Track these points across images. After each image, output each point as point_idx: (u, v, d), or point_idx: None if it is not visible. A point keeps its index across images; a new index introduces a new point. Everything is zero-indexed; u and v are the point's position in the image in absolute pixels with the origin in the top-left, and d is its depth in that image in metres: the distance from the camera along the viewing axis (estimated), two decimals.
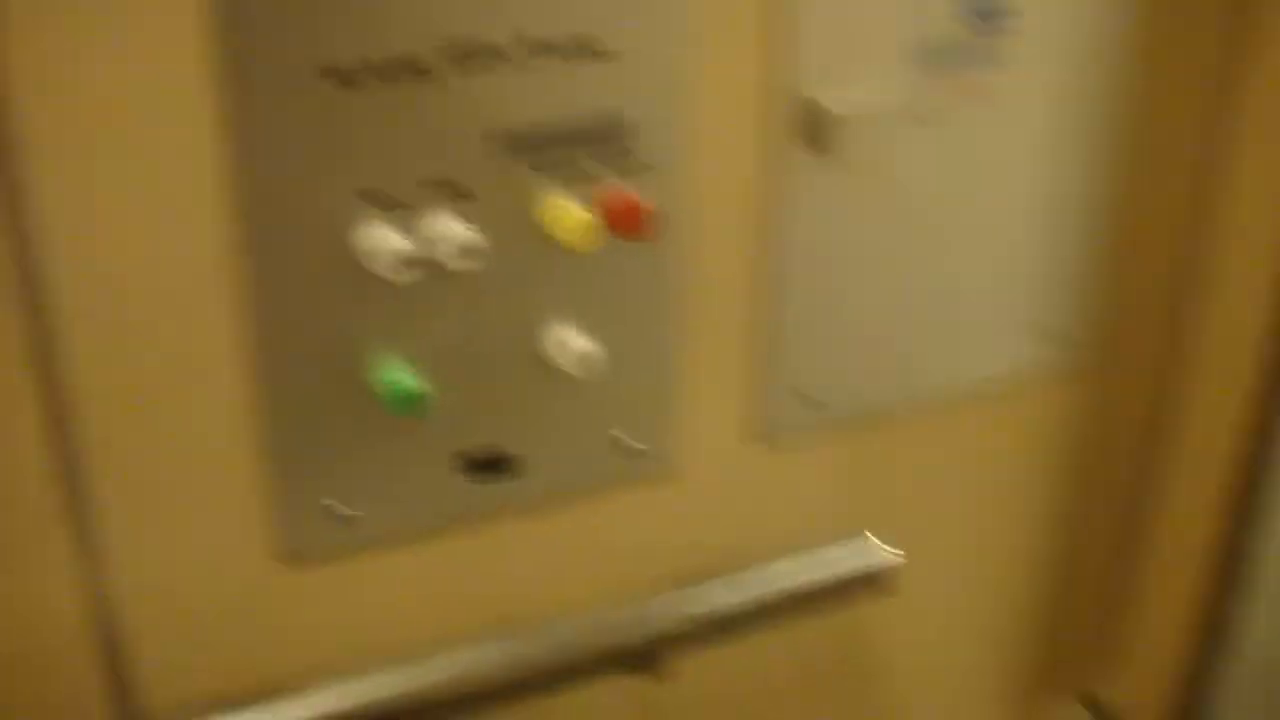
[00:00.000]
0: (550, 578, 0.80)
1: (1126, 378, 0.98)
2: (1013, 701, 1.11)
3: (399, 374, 0.69)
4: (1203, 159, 0.91)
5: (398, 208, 0.66)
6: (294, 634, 0.75)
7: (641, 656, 0.81)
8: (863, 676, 0.99)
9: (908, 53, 0.77)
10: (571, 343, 0.73)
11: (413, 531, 0.75)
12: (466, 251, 0.67)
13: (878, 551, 0.84)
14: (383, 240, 0.65)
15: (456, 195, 0.67)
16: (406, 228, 0.66)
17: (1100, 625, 1.10)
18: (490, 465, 0.75)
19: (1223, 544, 1.01)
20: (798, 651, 0.92)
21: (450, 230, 0.67)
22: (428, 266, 0.67)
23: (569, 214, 0.69)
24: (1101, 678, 1.13)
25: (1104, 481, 1.02)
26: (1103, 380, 0.97)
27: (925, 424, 0.90)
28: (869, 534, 0.86)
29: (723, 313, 0.79)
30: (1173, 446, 1.01)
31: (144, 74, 0.59)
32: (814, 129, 0.75)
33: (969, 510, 0.97)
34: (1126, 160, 0.88)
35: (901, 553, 0.85)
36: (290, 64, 0.62)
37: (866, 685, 1.00)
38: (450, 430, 0.73)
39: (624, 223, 0.71)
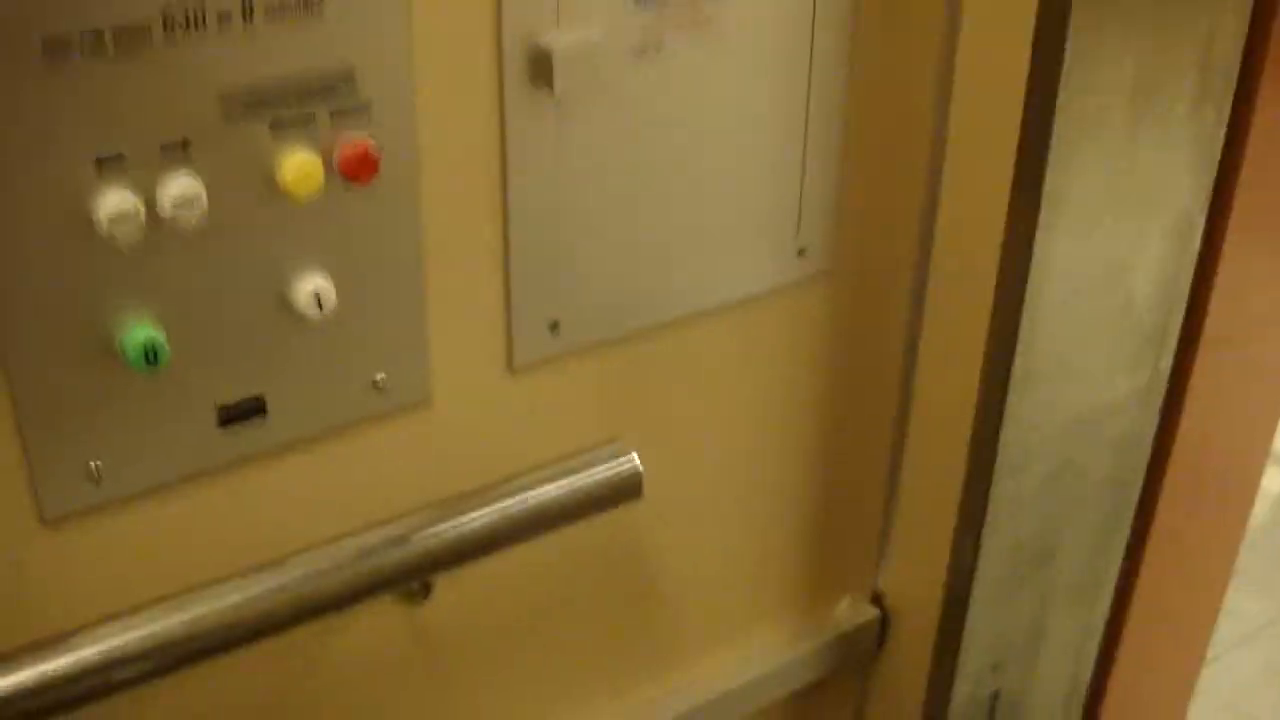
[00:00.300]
0: (313, 514, 0.82)
1: (875, 280, 1.02)
2: (801, 602, 1.16)
3: (140, 330, 0.70)
4: (933, 58, 0.95)
5: (129, 172, 0.67)
6: (64, 592, 0.76)
7: (407, 580, 0.84)
8: (640, 588, 1.03)
9: None
10: (310, 288, 0.75)
11: (173, 482, 0.77)
12: (185, 202, 0.68)
13: (628, 462, 0.88)
14: (113, 203, 0.67)
15: (186, 154, 0.68)
16: (139, 190, 0.67)
17: (876, 522, 1.16)
18: (243, 412, 0.77)
19: (975, 432, 1.07)
20: (567, 566, 0.96)
21: (174, 186, 0.68)
22: (159, 224, 0.68)
23: (299, 164, 0.71)
24: (883, 573, 1.18)
25: (862, 382, 1.07)
26: (852, 284, 1.01)
27: (677, 339, 0.94)
28: (620, 445, 0.89)
29: (464, 247, 0.81)
30: (923, 344, 1.06)
31: None
32: (537, 68, 0.78)
33: (729, 418, 1.01)
34: (858, 70, 0.92)
35: (636, 459, 0.89)
36: (9, 39, 0.62)
37: (645, 597, 1.04)
38: (201, 381, 0.75)
39: (353, 168, 0.73)
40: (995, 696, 1.22)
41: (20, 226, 0.66)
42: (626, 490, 0.88)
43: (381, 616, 0.88)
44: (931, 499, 1.10)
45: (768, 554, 1.10)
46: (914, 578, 1.15)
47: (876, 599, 1.18)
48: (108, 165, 0.67)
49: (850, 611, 1.17)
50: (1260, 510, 2.27)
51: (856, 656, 1.18)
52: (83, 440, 0.73)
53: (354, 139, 0.72)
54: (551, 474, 0.87)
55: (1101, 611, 1.21)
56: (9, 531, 0.73)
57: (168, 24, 0.65)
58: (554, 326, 0.86)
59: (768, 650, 1.14)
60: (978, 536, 1.12)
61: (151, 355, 0.70)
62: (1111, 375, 1.05)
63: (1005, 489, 1.10)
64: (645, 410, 0.95)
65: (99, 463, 0.74)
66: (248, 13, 0.67)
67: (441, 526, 0.83)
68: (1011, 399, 1.04)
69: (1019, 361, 1.01)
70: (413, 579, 0.84)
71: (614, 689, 1.06)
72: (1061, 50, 0.88)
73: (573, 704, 1.04)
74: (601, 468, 0.88)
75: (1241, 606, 1.95)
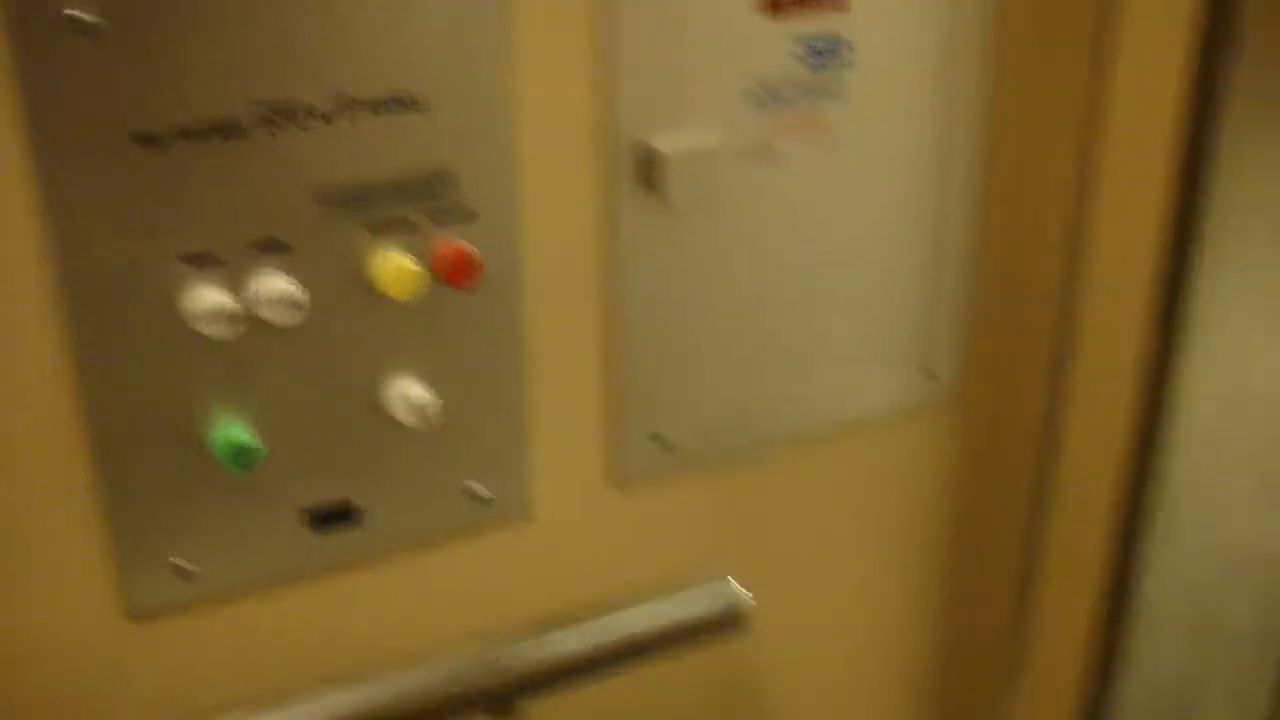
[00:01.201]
0: (403, 626, 0.80)
1: (1005, 407, 0.97)
2: None
3: (232, 430, 0.69)
4: (1070, 177, 0.91)
5: (222, 267, 0.66)
6: (146, 690, 0.75)
7: (499, 702, 0.81)
8: (739, 716, 0.98)
9: (743, 91, 0.77)
10: (408, 393, 0.73)
11: (261, 584, 0.75)
12: (288, 306, 0.67)
13: (735, 594, 0.84)
14: (206, 300, 0.65)
15: (280, 252, 0.67)
16: (232, 286, 0.66)
17: (999, 658, 1.10)
18: (334, 517, 0.75)
19: (1113, 571, 1.01)
20: (667, 695, 0.92)
21: (273, 286, 0.67)
22: (252, 323, 0.67)
23: (398, 266, 0.69)
24: (1005, 710, 1.12)
25: (988, 514, 1.01)
26: (980, 410, 0.96)
27: (793, 459, 0.90)
28: (725, 574, 0.85)
29: (569, 357, 0.79)
30: (1055, 478, 1.01)
31: None
32: (648, 171, 0.75)
33: (844, 546, 0.96)
34: (992, 186, 0.88)
35: (742, 590, 0.85)
36: (101, 131, 0.62)
37: None
38: (292, 483, 0.73)
39: (454, 273, 0.71)
40: None
41: (112, 320, 0.65)
42: (731, 622, 0.84)
43: None
44: (1060, 644, 1.04)
45: (884, 693, 1.05)
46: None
47: None
48: (198, 260, 0.65)
49: None
50: None
51: None
52: (172, 537, 0.71)
53: (454, 243, 0.71)
54: (651, 602, 0.83)
55: None
56: (95, 626, 0.72)
57: (262, 119, 0.64)
58: (661, 442, 0.83)
59: None
60: (1110, 687, 1.06)
61: (243, 455, 0.69)
62: (1266, 519, 0.99)
63: (1141, 640, 1.03)
64: (756, 535, 0.91)
65: (187, 560, 0.72)
66: (346, 110, 0.66)
67: (531, 649, 0.80)
68: (1149, 542, 0.98)
69: (1158, 502, 0.96)
70: (498, 701, 0.81)
71: None
72: (1207, 168, 0.84)
73: None
74: (706, 597, 0.83)
75: None
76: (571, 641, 0.81)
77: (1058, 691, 1.05)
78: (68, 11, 0.59)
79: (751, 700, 0.96)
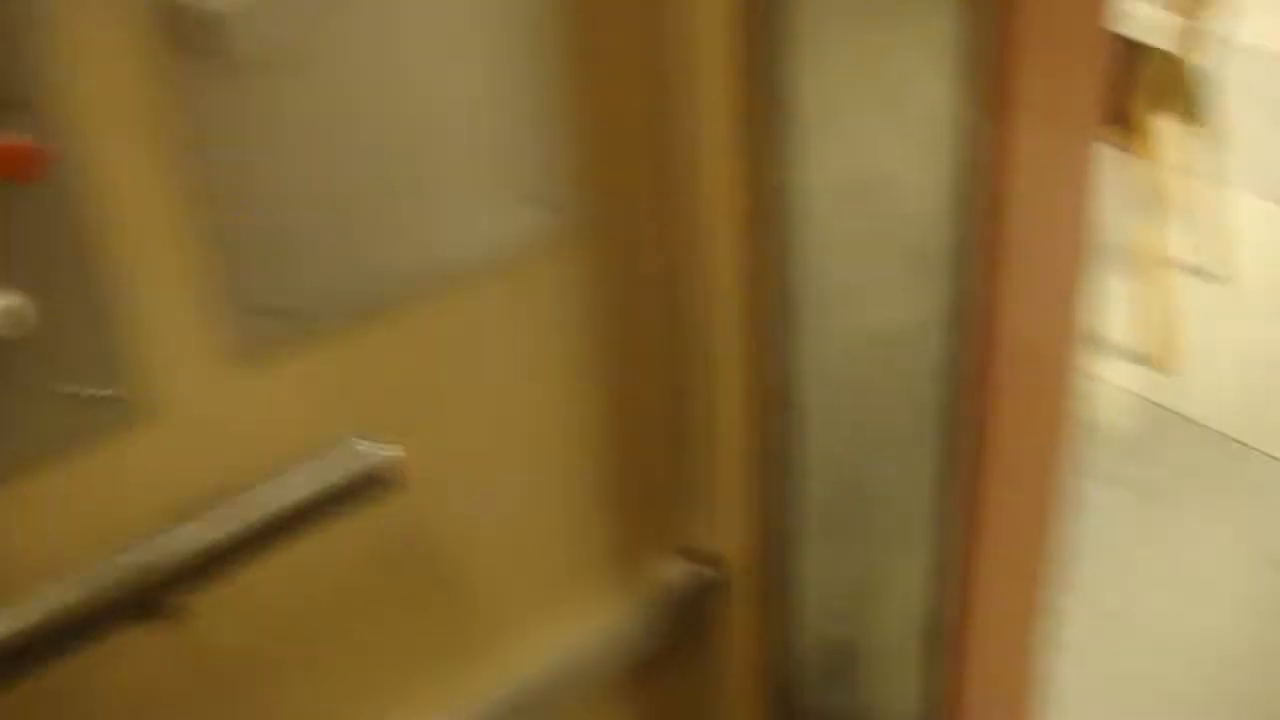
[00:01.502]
0: (40, 547, 0.76)
1: (626, 227, 0.97)
2: (615, 568, 1.10)
3: None
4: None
5: None
6: None
7: (152, 603, 0.78)
8: (436, 576, 0.97)
9: None
10: None
11: None
12: None
13: (374, 452, 0.82)
14: None
15: None
16: None
17: (681, 476, 1.10)
18: None
19: (760, 371, 1.02)
20: (347, 564, 0.90)
21: None
22: None
23: None
24: (695, 528, 1.13)
25: (633, 335, 1.01)
26: (604, 232, 0.95)
27: (425, 312, 0.88)
28: (367, 436, 0.83)
29: (158, 239, 0.75)
30: (694, 289, 1.01)
31: None
32: (201, 29, 0.70)
33: (497, 389, 0.95)
34: (580, 14, 0.86)
35: (388, 447, 0.83)
36: None
37: (444, 584, 0.99)
38: None
39: (6, 166, 0.66)
40: (845, 647, 1.18)
41: None
42: (383, 480, 0.82)
43: (153, 644, 0.81)
44: (731, 447, 1.06)
45: (567, 523, 1.05)
46: (732, 531, 1.10)
47: (697, 556, 1.12)
48: None
49: (670, 571, 1.11)
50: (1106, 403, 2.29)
51: (690, 618, 1.13)
52: None
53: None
54: (286, 475, 0.80)
55: (945, 546, 1.16)
56: None
57: None
58: (278, 313, 0.80)
59: (589, 620, 1.08)
60: (784, 481, 1.08)
61: None
62: (898, 297, 1.01)
63: (805, 428, 1.05)
64: (400, 392, 0.89)
65: None
66: None
67: (175, 543, 0.77)
68: (787, 331, 1.00)
69: (788, 290, 0.97)
70: (151, 601, 0.78)
71: (433, 678, 1.01)
72: None
73: (394, 700, 0.99)
74: (342, 460, 0.81)
75: (1099, 500, 1.96)
76: (214, 528, 0.78)
77: (733, 501, 1.07)
78: None
79: (422, 562, 0.95)
